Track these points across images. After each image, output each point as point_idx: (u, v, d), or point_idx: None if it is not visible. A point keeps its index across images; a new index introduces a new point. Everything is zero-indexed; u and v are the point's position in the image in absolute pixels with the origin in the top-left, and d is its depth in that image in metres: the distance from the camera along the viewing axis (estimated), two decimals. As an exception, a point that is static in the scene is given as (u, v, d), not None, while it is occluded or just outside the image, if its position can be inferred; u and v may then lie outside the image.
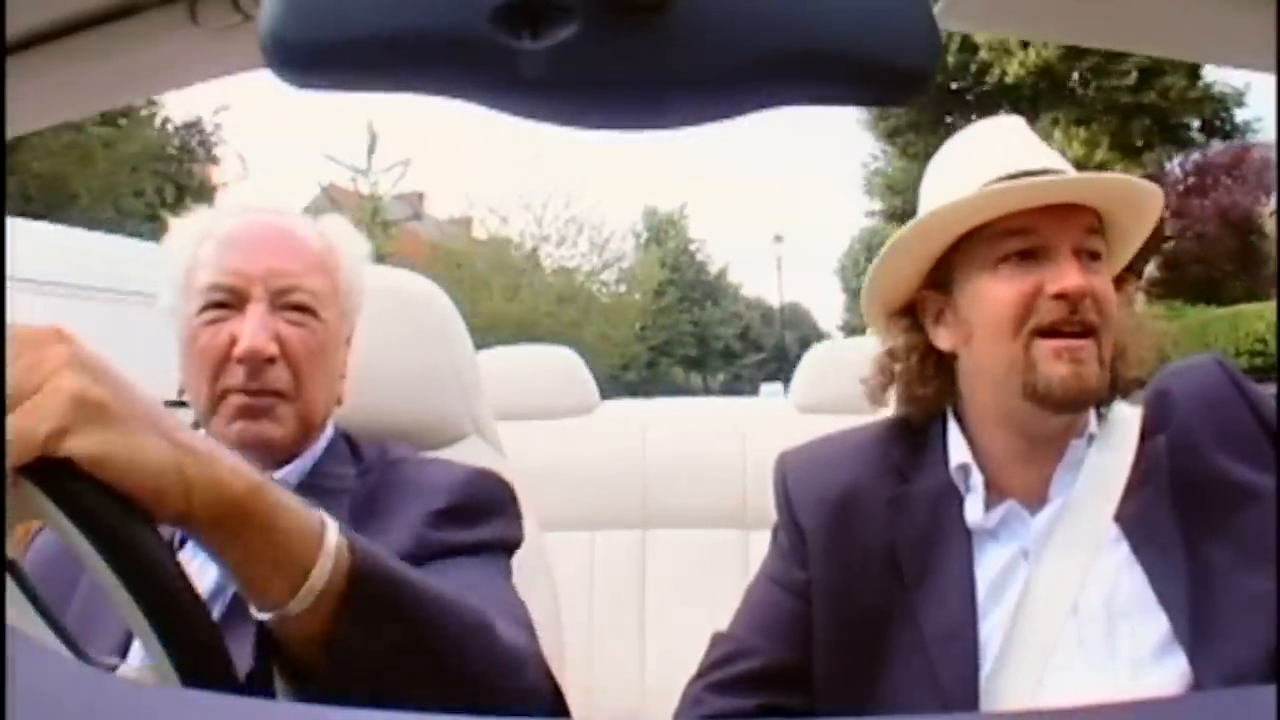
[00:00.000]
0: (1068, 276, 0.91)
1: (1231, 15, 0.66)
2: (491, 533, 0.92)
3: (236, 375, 0.91)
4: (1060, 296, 0.91)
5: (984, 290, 0.95)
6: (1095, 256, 0.95)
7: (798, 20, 0.35)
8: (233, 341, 0.91)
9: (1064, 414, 0.94)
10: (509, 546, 0.95)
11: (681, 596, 1.69)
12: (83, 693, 0.36)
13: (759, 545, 1.11)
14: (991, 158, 0.98)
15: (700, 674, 1.01)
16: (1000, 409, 0.96)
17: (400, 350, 1.16)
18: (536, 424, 1.81)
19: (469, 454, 1.22)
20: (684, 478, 1.80)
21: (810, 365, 1.86)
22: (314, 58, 0.35)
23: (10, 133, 0.73)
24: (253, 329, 0.90)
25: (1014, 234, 0.94)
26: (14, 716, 0.33)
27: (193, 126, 16.49)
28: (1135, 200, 0.96)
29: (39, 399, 0.47)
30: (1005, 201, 0.93)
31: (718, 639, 1.02)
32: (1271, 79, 0.70)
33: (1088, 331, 0.92)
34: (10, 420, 0.46)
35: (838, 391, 1.72)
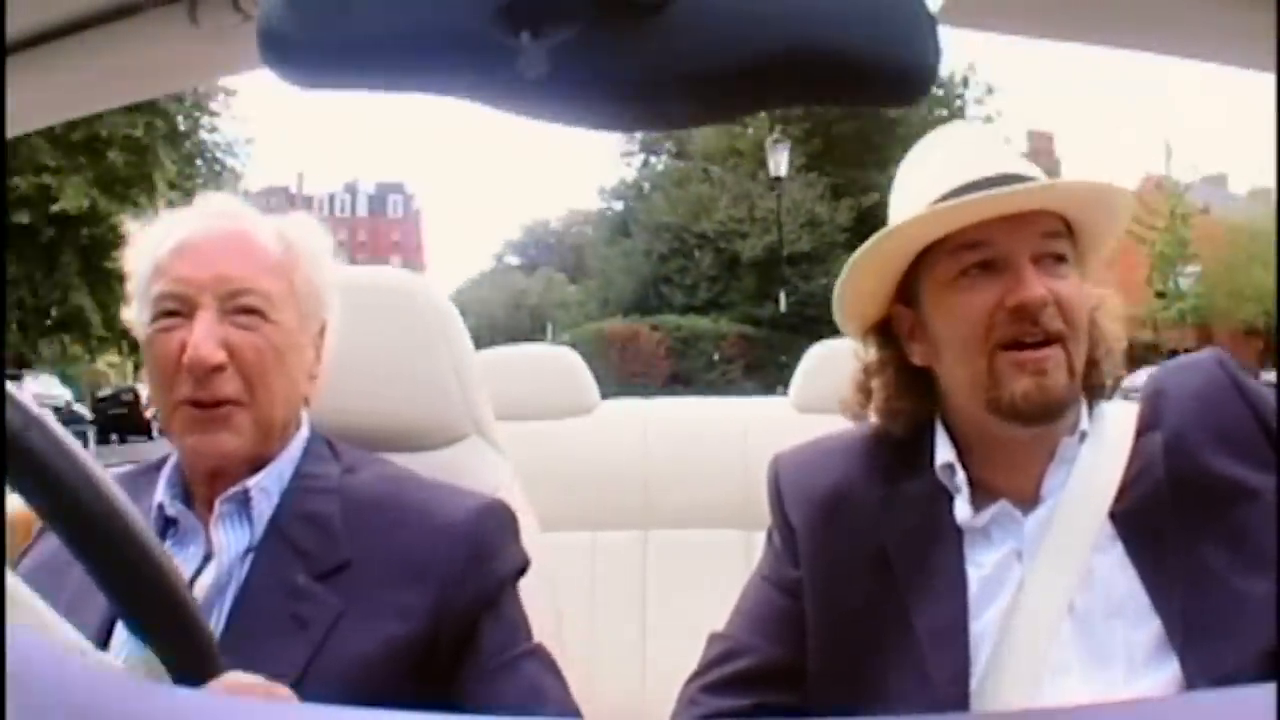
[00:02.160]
0: (1025, 288, 0.89)
1: (1231, 15, 0.66)
2: (506, 568, 0.97)
3: (187, 384, 0.90)
4: (1019, 308, 0.89)
5: (946, 305, 0.93)
6: (1061, 259, 0.92)
7: (797, 21, 0.35)
8: (183, 349, 0.90)
9: (1032, 427, 0.92)
10: (520, 574, 0.99)
11: (683, 596, 1.68)
12: (82, 692, 0.36)
13: (761, 545, 1.11)
14: (946, 169, 0.96)
15: (696, 674, 1.01)
16: (974, 421, 0.96)
17: (400, 350, 1.16)
18: (537, 424, 1.81)
19: (470, 454, 1.22)
20: (685, 477, 1.80)
21: (810, 365, 1.86)
22: (313, 58, 0.35)
23: (10, 133, 0.73)
24: (198, 337, 0.90)
25: (969, 247, 0.92)
26: (14, 717, 0.33)
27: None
28: (1098, 202, 0.95)
29: None
30: (954, 218, 0.91)
31: (714, 639, 1.02)
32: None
33: (1052, 340, 0.90)
34: None
35: (838, 391, 1.72)
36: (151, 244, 0.98)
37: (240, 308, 0.92)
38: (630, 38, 0.34)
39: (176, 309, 0.92)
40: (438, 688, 0.89)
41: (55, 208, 16.06)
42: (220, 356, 0.90)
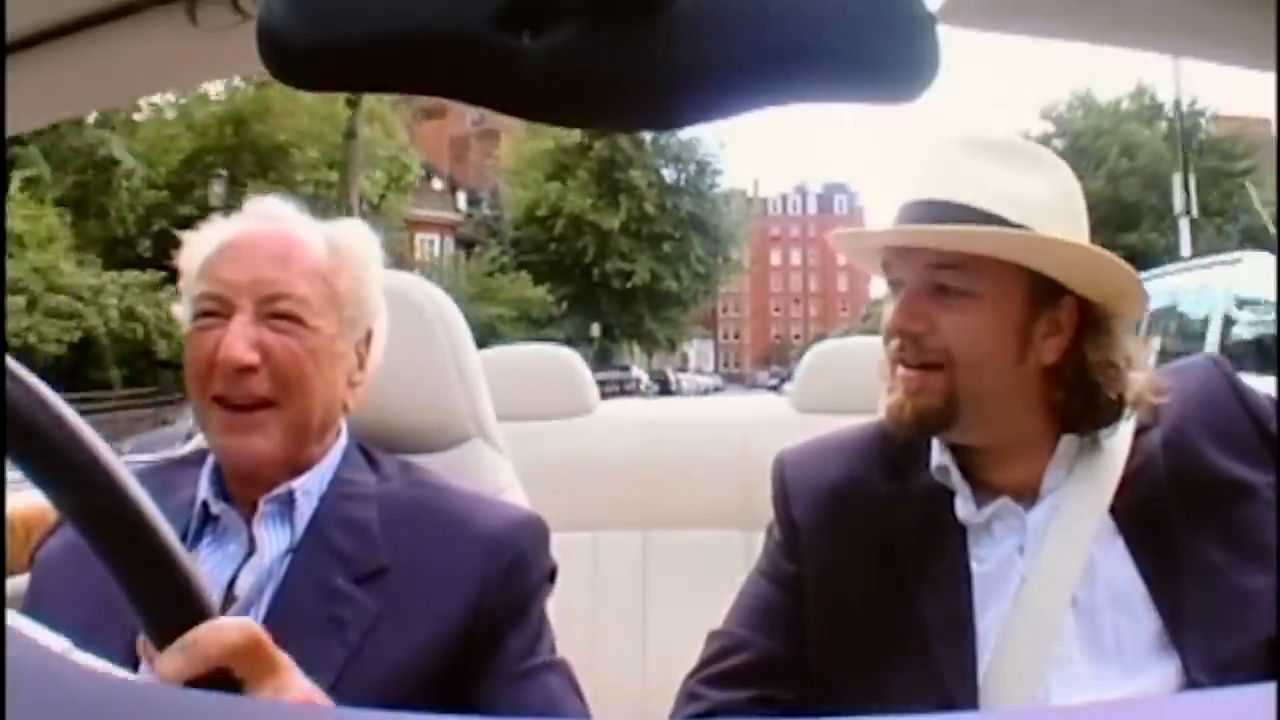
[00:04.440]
0: (896, 314, 0.95)
1: (1231, 15, 0.66)
2: (539, 580, 0.98)
3: (219, 383, 0.92)
4: (889, 332, 0.95)
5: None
6: (961, 293, 0.92)
7: (797, 19, 0.35)
8: (216, 349, 0.91)
9: (912, 437, 0.98)
10: (549, 586, 1.00)
11: (684, 597, 1.68)
12: (81, 693, 0.36)
13: (761, 546, 1.11)
14: (918, 181, 0.99)
15: (695, 670, 1.02)
16: None
17: (403, 353, 1.16)
18: (537, 424, 1.81)
19: (472, 456, 1.22)
20: (686, 478, 1.79)
21: (810, 365, 1.86)
22: (312, 58, 0.34)
23: (10, 132, 0.73)
24: (230, 338, 0.91)
25: (885, 266, 0.99)
26: (13, 717, 0.33)
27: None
28: (980, 245, 0.92)
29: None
30: (843, 243, 1.04)
31: (712, 636, 1.04)
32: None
33: (930, 365, 0.93)
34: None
35: (837, 391, 1.72)
36: (202, 245, 1.00)
37: (276, 312, 0.93)
38: (630, 37, 0.34)
39: (215, 309, 0.94)
40: (464, 692, 0.90)
41: (629, 282, 29.18)
42: (251, 358, 0.91)
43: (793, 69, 0.36)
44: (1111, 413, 0.95)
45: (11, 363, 0.49)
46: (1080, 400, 0.95)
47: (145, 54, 0.70)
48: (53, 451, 0.50)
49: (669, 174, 30.82)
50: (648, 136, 29.58)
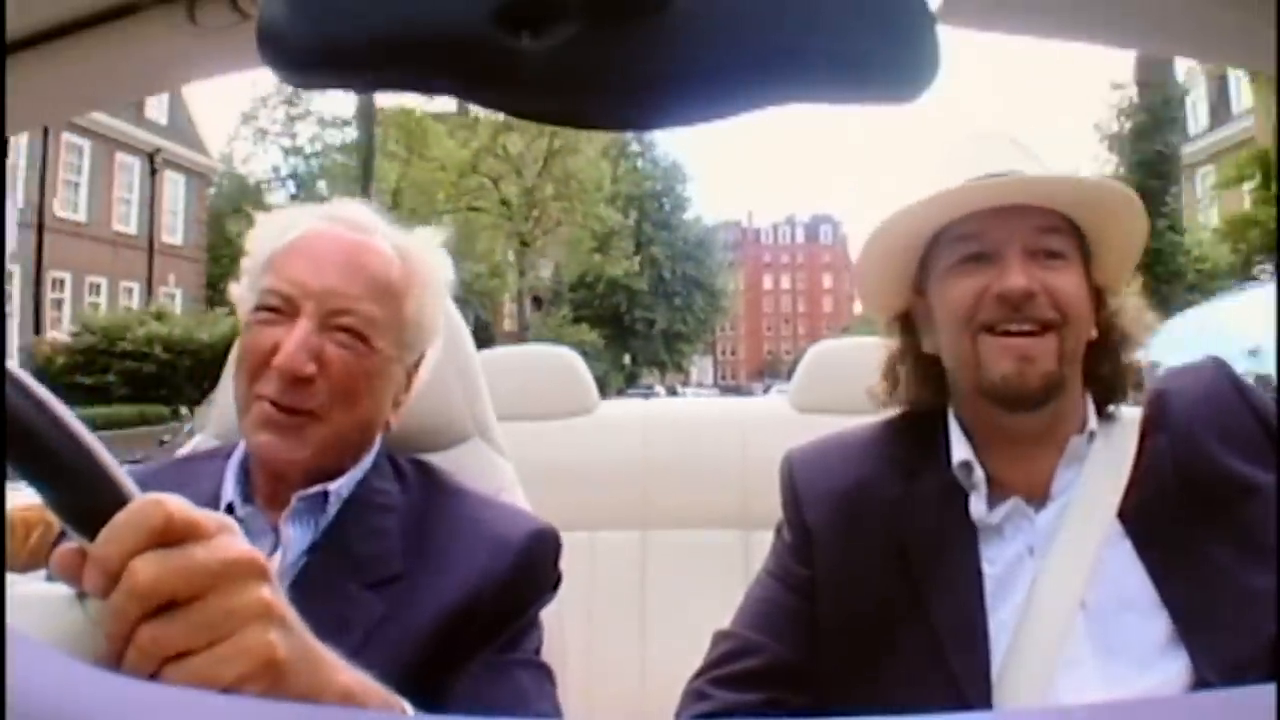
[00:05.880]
0: (1009, 277, 0.93)
1: (1231, 15, 0.66)
2: (542, 588, 0.97)
3: (271, 384, 0.90)
4: (1002, 297, 0.93)
5: (943, 292, 0.98)
6: (1056, 255, 0.95)
7: (797, 19, 0.35)
8: (275, 349, 0.90)
9: (1018, 412, 0.95)
10: (551, 592, 1.00)
11: (682, 597, 1.68)
12: (82, 693, 0.36)
13: (759, 546, 1.11)
14: (952, 167, 0.99)
15: (702, 671, 1.01)
16: (977, 411, 0.99)
17: None
18: (537, 424, 1.81)
19: (472, 457, 1.22)
20: (684, 478, 1.80)
21: (810, 365, 1.86)
22: (312, 57, 0.34)
23: (10, 132, 0.73)
24: (293, 346, 0.89)
25: (964, 239, 0.96)
26: (13, 717, 0.33)
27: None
28: (1084, 200, 0.96)
29: (228, 651, 0.49)
30: (935, 209, 0.97)
31: (719, 637, 1.03)
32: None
33: (1040, 329, 0.93)
34: (197, 662, 0.49)
35: (837, 391, 1.72)
36: (274, 232, 0.97)
37: (341, 326, 0.92)
38: (630, 37, 0.34)
39: (279, 306, 0.92)
40: (439, 681, 0.89)
41: (652, 328, 39.34)
42: (310, 369, 0.90)
43: (793, 69, 0.36)
44: (1127, 381, 0.99)
45: (10, 365, 0.49)
46: (1112, 368, 0.99)
47: (145, 54, 0.70)
48: (51, 454, 0.50)
49: (679, 245, 42.00)
50: (666, 215, 40.80)
